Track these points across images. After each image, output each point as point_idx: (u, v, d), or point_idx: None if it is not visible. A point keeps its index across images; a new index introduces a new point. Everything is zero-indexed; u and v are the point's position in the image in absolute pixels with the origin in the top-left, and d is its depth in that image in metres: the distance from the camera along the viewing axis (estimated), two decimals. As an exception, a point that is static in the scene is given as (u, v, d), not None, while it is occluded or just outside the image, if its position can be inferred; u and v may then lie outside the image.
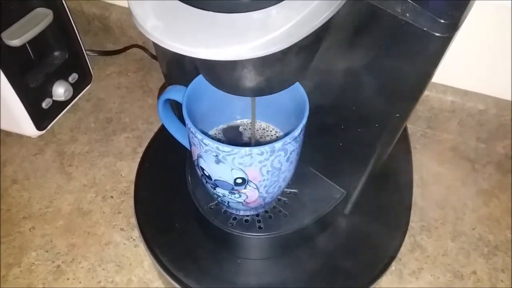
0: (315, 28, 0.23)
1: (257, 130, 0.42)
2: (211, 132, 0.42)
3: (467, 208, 0.53)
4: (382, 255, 0.45)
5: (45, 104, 0.58)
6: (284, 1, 0.22)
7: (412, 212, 0.50)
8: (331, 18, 0.24)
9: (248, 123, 0.43)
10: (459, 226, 0.51)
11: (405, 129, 0.58)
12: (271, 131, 0.42)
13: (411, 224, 0.50)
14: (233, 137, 0.42)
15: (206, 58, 0.22)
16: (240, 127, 0.43)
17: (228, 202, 0.38)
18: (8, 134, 0.60)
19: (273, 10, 0.22)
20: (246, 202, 0.38)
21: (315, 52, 0.29)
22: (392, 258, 0.45)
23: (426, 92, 0.57)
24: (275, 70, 0.27)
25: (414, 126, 0.62)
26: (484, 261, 0.48)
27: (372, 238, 0.46)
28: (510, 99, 0.56)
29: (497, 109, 0.56)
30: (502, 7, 0.48)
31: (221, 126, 0.42)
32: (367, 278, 0.43)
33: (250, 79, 0.27)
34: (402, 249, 0.47)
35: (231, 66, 0.27)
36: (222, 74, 0.29)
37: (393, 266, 0.47)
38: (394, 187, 0.51)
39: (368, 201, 0.47)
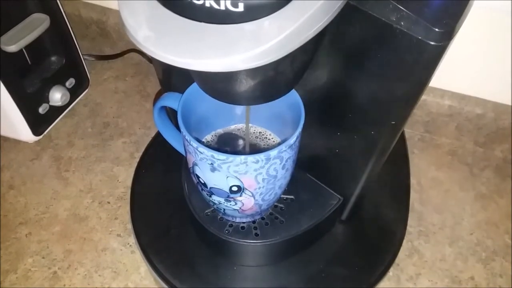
0: (308, 39, 0.23)
1: (253, 133, 0.42)
2: (207, 138, 0.42)
3: (465, 213, 0.53)
4: (380, 260, 0.45)
5: (42, 109, 0.58)
6: (277, 12, 0.22)
7: (409, 217, 0.50)
8: (325, 27, 0.24)
9: (244, 128, 0.43)
10: (457, 231, 0.51)
11: (403, 134, 0.58)
12: (267, 136, 0.42)
13: (408, 229, 0.50)
14: (229, 143, 0.42)
15: (198, 69, 0.21)
16: (236, 132, 0.43)
17: (224, 209, 0.38)
18: (5, 139, 0.60)
19: (265, 21, 0.21)
20: (242, 210, 0.37)
21: (309, 62, 0.29)
22: (390, 263, 0.45)
23: (423, 97, 0.57)
24: (268, 80, 0.27)
25: (411, 131, 0.62)
26: (482, 266, 0.48)
27: (369, 244, 0.46)
28: (507, 103, 0.55)
29: (495, 113, 0.56)
30: (500, 12, 0.48)
31: (217, 132, 0.42)
32: (365, 284, 0.43)
33: (243, 89, 0.27)
34: (400, 254, 0.47)
35: (224, 76, 0.26)
36: (215, 84, 0.29)
37: (391, 272, 0.47)
38: (392, 192, 0.51)
39: (365, 207, 0.47)
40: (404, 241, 0.47)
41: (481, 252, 0.49)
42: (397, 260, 0.46)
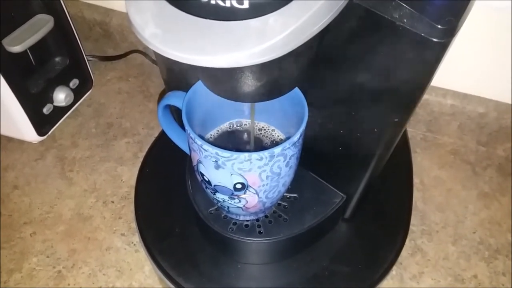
0: (312, 35, 0.23)
1: (258, 129, 0.42)
2: (211, 134, 0.42)
3: (467, 212, 0.53)
4: (383, 259, 0.45)
5: (46, 109, 0.58)
6: (282, 9, 0.22)
7: (412, 215, 0.50)
8: (329, 24, 0.24)
9: (248, 125, 0.43)
10: (460, 229, 0.51)
11: (405, 133, 0.58)
12: (272, 132, 0.42)
13: (411, 227, 0.50)
14: (234, 140, 0.42)
15: (205, 65, 0.22)
16: (240, 129, 0.43)
17: (228, 207, 0.38)
18: (9, 139, 0.60)
19: (270, 17, 0.22)
20: (246, 207, 0.38)
21: (313, 58, 0.29)
22: (393, 262, 0.45)
23: (425, 96, 0.57)
24: (273, 77, 0.27)
25: (414, 130, 0.62)
26: (485, 264, 0.48)
27: (372, 242, 0.46)
28: (510, 102, 0.56)
29: (497, 112, 0.56)
30: (502, 10, 0.48)
31: (221, 129, 0.43)
32: (368, 282, 0.43)
33: (248, 86, 0.28)
34: (403, 253, 0.47)
35: (229, 73, 0.27)
36: (220, 81, 0.29)
37: (394, 271, 0.47)
38: (394, 191, 0.51)
39: (368, 205, 0.47)
40: (407, 240, 0.48)
41: (484, 251, 0.49)
42: (400, 259, 0.46)
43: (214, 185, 0.36)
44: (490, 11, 0.49)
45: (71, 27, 0.60)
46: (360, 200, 0.44)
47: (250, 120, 0.42)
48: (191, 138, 0.33)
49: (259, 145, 0.41)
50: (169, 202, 0.48)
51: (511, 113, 0.55)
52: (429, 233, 0.51)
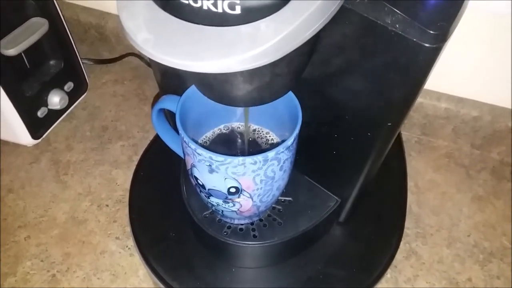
0: (304, 41, 0.23)
1: (252, 132, 0.42)
2: (206, 137, 0.42)
3: (462, 215, 0.53)
4: (377, 262, 0.45)
5: (41, 113, 0.58)
6: (274, 14, 0.22)
7: (407, 219, 0.50)
8: (321, 29, 0.24)
9: (242, 128, 0.43)
10: (454, 232, 0.51)
11: (399, 136, 0.59)
12: (265, 135, 0.42)
13: (406, 231, 0.50)
14: (227, 144, 0.42)
15: (196, 71, 0.22)
16: (234, 133, 0.43)
17: (223, 211, 0.38)
18: (4, 143, 0.60)
19: (262, 23, 0.22)
20: (240, 211, 0.38)
21: (306, 64, 0.29)
22: (387, 265, 0.45)
23: (420, 99, 0.58)
24: (265, 82, 0.27)
25: (408, 133, 0.62)
26: (480, 268, 0.48)
27: (367, 246, 0.46)
28: (504, 105, 0.56)
29: (492, 116, 0.56)
30: (496, 14, 0.49)
31: (215, 132, 0.43)
32: (363, 285, 0.43)
33: (241, 91, 0.28)
34: (398, 256, 0.47)
35: (222, 78, 0.27)
36: (213, 86, 0.29)
37: (389, 274, 0.47)
38: (389, 194, 0.51)
39: (362, 209, 0.47)
40: (402, 243, 0.48)
41: (479, 254, 0.49)
42: (394, 262, 0.46)
43: (208, 189, 0.36)
44: (485, 15, 0.49)
45: (66, 30, 0.60)
46: (354, 203, 0.44)
47: (244, 123, 0.42)
48: (185, 142, 0.33)
49: (254, 149, 0.41)
50: (164, 206, 0.48)
51: (506, 116, 0.56)
52: (423, 236, 0.51)
